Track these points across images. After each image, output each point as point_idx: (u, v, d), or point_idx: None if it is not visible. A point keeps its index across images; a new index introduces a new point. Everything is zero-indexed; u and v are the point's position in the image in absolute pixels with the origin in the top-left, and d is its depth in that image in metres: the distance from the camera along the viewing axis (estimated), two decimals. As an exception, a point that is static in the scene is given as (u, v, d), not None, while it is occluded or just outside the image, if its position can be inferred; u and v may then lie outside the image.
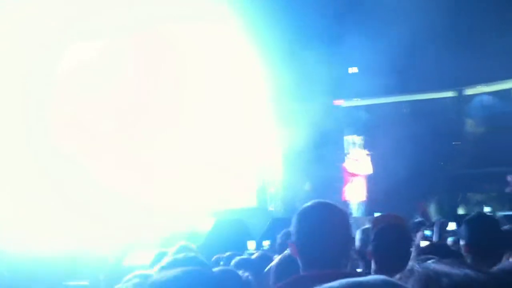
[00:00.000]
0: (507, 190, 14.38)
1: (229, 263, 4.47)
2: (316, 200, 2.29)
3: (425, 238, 5.73)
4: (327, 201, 2.32)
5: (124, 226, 11.10)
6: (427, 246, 3.96)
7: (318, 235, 2.13)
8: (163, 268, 2.58)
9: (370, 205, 13.73)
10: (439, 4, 18.70)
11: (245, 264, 4.17)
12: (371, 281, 0.88)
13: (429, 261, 1.10)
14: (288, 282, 2.01)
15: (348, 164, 12.64)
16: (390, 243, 2.97)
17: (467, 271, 1.02)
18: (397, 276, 1.08)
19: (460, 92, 23.16)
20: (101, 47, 13.40)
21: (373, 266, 3.01)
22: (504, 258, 3.53)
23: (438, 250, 3.78)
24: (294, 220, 2.24)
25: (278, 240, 5.60)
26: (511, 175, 14.40)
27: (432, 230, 6.00)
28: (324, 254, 2.11)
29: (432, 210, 16.84)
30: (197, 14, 14.15)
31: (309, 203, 2.27)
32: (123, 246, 7.40)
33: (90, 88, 13.30)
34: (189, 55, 14.48)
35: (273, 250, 6.80)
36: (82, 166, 12.23)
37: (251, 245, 7.99)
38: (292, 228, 2.26)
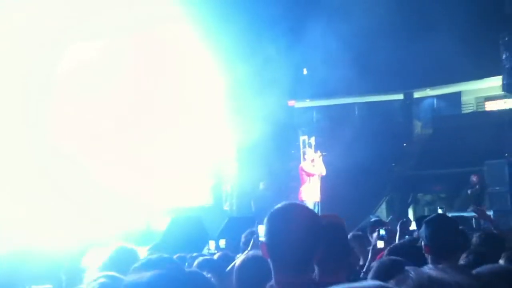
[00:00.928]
0: (469, 191, 14.73)
1: (193, 263, 4.44)
2: (287, 201, 2.29)
3: (380, 237, 5.78)
4: (298, 202, 2.33)
5: (80, 224, 10.94)
6: (398, 246, 4.03)
7: (289, 236, 2.11)
8: (136, 269, 2.52)
9: (324, 205, 13.88)
10: (389, 9, 19.10)
11: (208, 264, 4.13)
12: (368, 287, 0.89)
13: (426, 266, 1.10)
14: None
15: (305, 164, 12.73)
16: (329, 242, 2.98)
17: (460, 278, 1.03)
18: (392, 281, 1.08)
19: (408, 95, 23.69)
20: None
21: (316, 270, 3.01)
22: (461, 258, 3.64)
23: (404, 249, 3.88)
24: (265, 221, 2.22)
25: (243, 239, 5.49)
26: (474, 175, 14.77)
27: (387, 230, 6.09)
28: (295, 255, 2.10)
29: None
30: (153, 12, 14.08)
31: (279, 204, 2.26)
32: (79, 245, 7.25)
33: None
34: (144, 52, 14.36)
35: (230, 249, 6.79)
36: (35, 165, 11.96)
37: (212, 244, 7.97)
38: (263, 229, 2.24)
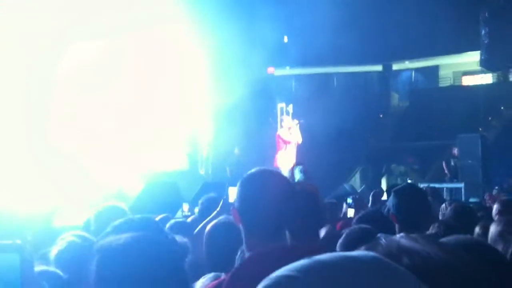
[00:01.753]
0: (453, 162, 14.90)
1: (164, 225, 4.40)
2: (260, 167, 2.26)
3: (349, 206, 5.87)
4: (271, 168, 2.30)
5: (53, 186, 10.88)
6: (364, 214, 4.09)
7: (261, 202, 2.09)
8: (116, 227, 2.49)
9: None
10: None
11: (181, 227, 4.10)
12: (361, 257, 0.87)
13: (398, 235, 1.09)
14: (244, 265, 1.97)
15: (282, 132, 12.74)
16: (302, 209, 2.99)
17: (429, 248, 1.02)
18: (363, 247, 1.07)
19: (387, 66, 23.76)
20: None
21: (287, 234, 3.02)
22: (430, 229, 3.70)
23: (373, 217, 3.94)
24: (237, 187, 2.20)
25: (199, 206, 5.23)
26: (454, 148, 14.94)
27: (354, 199, 6.18)
28: (267, 220, 2.09)
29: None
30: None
31: (253, 170, 2.23)
32: (51, 207, 7.21)
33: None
34: (123, 19, 14.20)
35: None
36: (10, 123, 11.82)
37: (186, 207, 7.99)
38: (235, 195, 2.22)
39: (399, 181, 17.67)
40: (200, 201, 5.38)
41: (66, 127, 13.03)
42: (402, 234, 1.08)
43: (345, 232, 3.08)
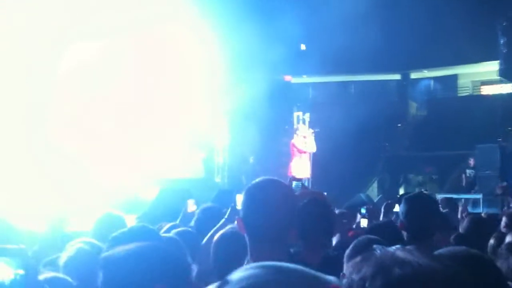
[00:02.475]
0: (467, 172, 14.77)
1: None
2: (264, 177, 2.32)
3: (362, 216, 5.84)
4: (275, 178, 2.35)
5: (65, 193, 10.95)
6: (375, 225, 4.05)
7: (264, 211, 2.16)
8: (116, 238, 2.51)
9: (315, 182, 13.95)
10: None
11: (184, 237, 4.05)
12: (291, 268, 0.89)
13: (395, 246, 1.09)
14: None
15: (297, 140, 12.75)
16: (314, 217, 3.00)
17: (422, 261, 1.03)
18: (358, 258, 1.08)
19: (405, 75, 23.66)
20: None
21: (302, 244, 3.04)
22: (434, 239, 3.66)
23: (384, 228, 3.90)
24: (242, 196, 2.27)
25: (195, 216, 5.12)
26: (470, 158, 14.82)
27: (367, 209, 6.14)
28: (270, 230, 2.15)
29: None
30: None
31: (257, 180, 2.30)
32: (62, 213, 7.24)
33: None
34: (135, 22, 14.27)
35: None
36: (11, 125, 11.89)
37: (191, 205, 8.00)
38: (240, 204, 2.29)
39: (417, 191, 17.53)
40: (196, 212, 5.33)
41: (66, 123, 13.08)
42: (398, 246, 1.08)
43: (353, 242, 3.06)
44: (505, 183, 11.77)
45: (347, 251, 2.67)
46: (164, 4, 14.40)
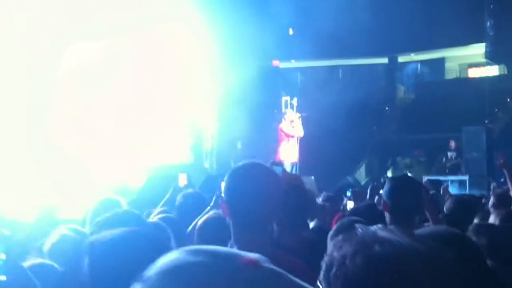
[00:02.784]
0: (449, 154, 14.81)
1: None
2: (248, 161, 2.29)
3: (348, 198, 5.87)
4: (259, 161, 2.32)
5: (52, 183, 10.94)
6: (358, 208, 4.10)
7: (248, 195, 2.13)
8: (99, 223, 2.52)
9: (304, 166, 13.99)
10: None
11: (169, 223, 4.03)
12: (212, 249, 0.91)
13: (376, 226, 1.10)
14: None
15: (284, 125, 12.76)
16: (289, 202, 3.00)
17: (403, 239, 1.04)
18: (340, 237, 1.10)
19: (393, 59, 23.69)
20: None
21: (275, 226, 3.03)
22: (416, 220, 3.69)
23: (366, 211, 3.94)
24: (226, 179, 2.23)
25: (179, 200, 5.02)
26: (451, 140, 14.87)
27: (353, 192, 6.18)
28: (254, 213, 2.12)
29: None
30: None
31: (240, 163, 2.27)
32: (52, 201, 7.22)
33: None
34: (125, 11, 14.19)
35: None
36: (10, 121, 11.87)
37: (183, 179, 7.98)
38: (224, 188, 2.25)
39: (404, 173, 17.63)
40: (178, 198, 5.24)
41: (66, 123, 13.08)
42: (380, 225, 1.10)
43: (336, 224, 3.10)
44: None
45: (331, 232, 2.70)
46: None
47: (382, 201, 3.50)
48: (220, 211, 2.95)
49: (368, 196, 5.85)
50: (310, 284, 0.98)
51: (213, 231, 3.04)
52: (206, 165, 15.69)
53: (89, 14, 13.06)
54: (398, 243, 1.02)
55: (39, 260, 2.98)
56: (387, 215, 3.36)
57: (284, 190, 3.07)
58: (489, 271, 1.86)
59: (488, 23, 17.34)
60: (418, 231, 1.82)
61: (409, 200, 3.32)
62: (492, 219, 3.86)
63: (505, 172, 5.16)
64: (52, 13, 12.40)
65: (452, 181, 13.54)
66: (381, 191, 6.52)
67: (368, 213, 3.70)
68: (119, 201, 4.20)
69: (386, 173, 17.61)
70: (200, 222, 3.30)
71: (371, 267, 0.99)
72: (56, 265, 2.96)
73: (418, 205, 3.41)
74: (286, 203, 2.98)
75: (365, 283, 0.99)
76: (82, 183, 11.77)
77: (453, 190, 11.96)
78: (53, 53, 13.03)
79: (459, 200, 4.77)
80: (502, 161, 5.61)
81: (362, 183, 12.61)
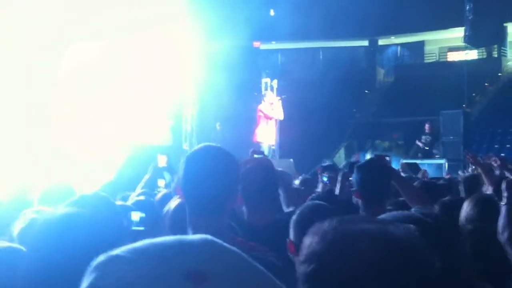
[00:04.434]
0: (423, 138, 14.87)
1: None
2: (204, 144, 2.25)
3: (323, 183, 5.84)
4: (215, 144, 2.28)
5: (30, 160, 10.88)
6: (316, 196, 4.14)
7: (200, 178, 2.09)
8: (68, 205, 2.51)
9: (283, 148, 14.02)
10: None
11: (145, 205, 4.01)
12: (193, 241, 0.90)
13: (335, 218, 1.10)
14: None
15: (264, 106, 12.71)
16: (255, 182, 2.97)
17: (365, 226, 1.06)
18: (312, 227, 1.10)
19: (373, 42, 23.70)
20: None
21: (244, 208, 3.01)
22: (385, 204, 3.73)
23: (326, 197, 3.97)
24: (181, 163, 2.18)
25: (174, 183, 5.04)
26: (427, 123, 14.94)
27: (329, 177, 6.17)
28: (207, 197, 2.08)
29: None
30: None
31: (196, 147, 2.23)
32: (26, 180, 7.15)
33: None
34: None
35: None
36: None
37: (161, 183, 8.01)
38: (180, 172, 2.20)
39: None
40: (175, 177, 5.26)
41: (46, 101, 13.00)
42: (334, 220, 1.10)
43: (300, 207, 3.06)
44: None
45: (294, 217, 2.66)
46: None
47: (354, 189, 3.53)
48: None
49: (339, 183, 5.84)
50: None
51: (182, 217, 3.00)
52: (185, 146, 15.67)
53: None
54: (360, 230, 1.03)
55: (5, 244, 2.97)
56: (360, 202, 3.40)
57: (248, 170, 3.05)
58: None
59: (467, 7, 17.40)
60: (381, 216, 1.84)
61: (379, 186, 3.36)
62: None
63: (479, 168, 5.21)
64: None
65: (429, 165, 13.67)
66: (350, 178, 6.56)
67: (330, 199, 3.75)
68: (70, 186, 4.20)
69: (365, 156, 17.72)
70: (172, 207, 3.28)
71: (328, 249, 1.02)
72: (23, 249, 2.95)
73: (387, 190, 3.45)
74: (250, 183, 2.97)
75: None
76: (49, 152, 11.72)
77: (430, 173, 12.09)
78: (42, 41, 12.92)
79: (426, 185, 4.84)
80: (470, 158, 5.69)
81: (341, 166, 12.64)
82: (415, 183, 4.76)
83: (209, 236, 0.87)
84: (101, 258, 0.85)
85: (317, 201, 3.05)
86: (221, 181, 2.07)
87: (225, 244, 0.87)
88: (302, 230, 2.38)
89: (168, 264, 0.82)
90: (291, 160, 11.59)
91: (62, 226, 1.83)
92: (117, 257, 0.85)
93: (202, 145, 2.18)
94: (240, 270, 0.87)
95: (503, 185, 2.89)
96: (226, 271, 0.84)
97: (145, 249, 0.86)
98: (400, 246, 1.01)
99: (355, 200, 4.18)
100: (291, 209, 3.73)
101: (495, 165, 5.07)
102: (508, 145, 15.01)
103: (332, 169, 7.07)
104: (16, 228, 3.00)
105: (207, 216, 2.06)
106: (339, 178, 5.75)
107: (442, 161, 13.90)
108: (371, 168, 3.48)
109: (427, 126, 14.91)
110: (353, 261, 0.99)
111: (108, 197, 2.77)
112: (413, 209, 3.41)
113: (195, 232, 2.05)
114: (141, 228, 3.45)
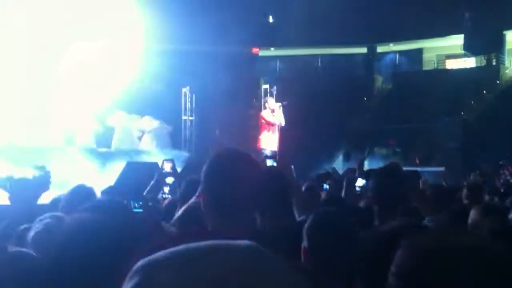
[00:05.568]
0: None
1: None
2: (227, 148, 2.23)
3: (325, 190, 5.85)
4: (239, 148, 2.26)
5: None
6: (327, 200, 4.16)
7: (227, 184, 2.08)
8: (83, 209, 2.51)
9: (282, 155, 14.00)
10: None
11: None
12: (237, 245, 0.90)
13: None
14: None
15: (265, 113, 12.74)
16: (269, 190, 2.95)
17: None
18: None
19: (371, 49, 23.75)
20: None
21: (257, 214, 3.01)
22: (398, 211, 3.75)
23: (335, 203, 3.99)
24: (205, 169, 2.15)
25: (182, 189, 4.97)
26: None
27: (330, 184, 6.18)
28: (234, 202, 2.07)
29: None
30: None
31: (220, 150, 2.21)
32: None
33: None
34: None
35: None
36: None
37: (166, 189, 8.01)
38: (203, 177, 2.16)
39: (381, 164, 17.67)
40: (182, 184, 5.21)
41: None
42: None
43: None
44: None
45: (307, 223, 2.63)
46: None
47: (366, 194, 3.54)
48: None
49: (344, 189, 5.86)
50: None
51: (194, 221, 2.98)
52: (185, 152, 15.69)
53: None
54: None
55: (15, 249, 2.96)
56: (374, 207, 3.41)
57: (264, 177, 3.03)
58: None
59: (466, 15, 17.48)
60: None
61: (393, 194, 3.37)
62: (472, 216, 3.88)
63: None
64: None
65: (428, 173, 13.66)
66: (357, 183, 6.57)
67: (338, 204, 3.76)
68: (92, 189, 4.21)
69: (363, 163, 17.70)
70: (180, 212, 3.27)
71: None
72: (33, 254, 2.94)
73: (400, 197, 3.46)
74: (265, 190, 2.95)
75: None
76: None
77: (430, 181, 12.07)
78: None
79: (435, 191, 4.84)
80: (418, 161, 5.79)
81: (341, 173, 12.63)
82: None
83: (252, 243, 0.87)
84: (141, 262, 0.85)
85: (328, 207, 3.05)
86: (248, 184, 2.06)
87: (265, 251, 0.87)
88: (315, 237, 2.39)
89: (205, 269, 0.83)
90: (292, 166, 11.59)
91: (77, 232, 1.82)
92: (156, 261, 0.85)
93: (225, 148, 2.18)
94: (280, 277, 0.87)
95: None
96: (266, 280, 0.84)
97: (183, 253, 0.87)
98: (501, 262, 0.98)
99: (362, 204, 4.20)
100: (303, 217, 3.72)
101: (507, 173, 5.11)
102: (506, 153, 14.99)
103: (329, 177, 7.08)
104: (31, 233, 2.99)
105: (234, 220, 2.04)
106: (344, 184, 5.77)
107: (441, 168, 13.90)
108: (387, 174, 3.49)
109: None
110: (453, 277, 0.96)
111: (123, 202, 2.77)
112: (426, 220, 3.44)
113: (219, 237, 2.04)
114: (140, 210, 3.45)
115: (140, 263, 0.91)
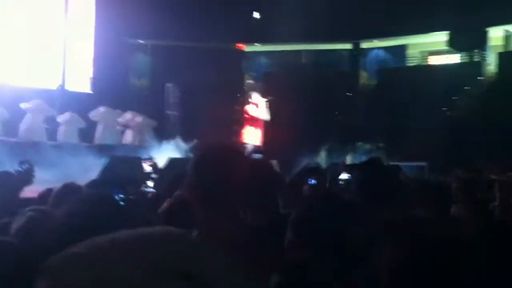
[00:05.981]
0: None
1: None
2: (217, 142, 2.22)
3: (310, 185, 5.87)
4: (228, 142, 2.27)
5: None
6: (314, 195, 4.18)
7: (218, 176, 2.07)
8: (73, 201, 2.49)
9: (265, 150, 14.04)
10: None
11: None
12: (154, 232, 0.90)
13: None
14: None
15: (250, 108, 12.77)
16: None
17: None
18: None
19: (356, 45, 23.82)
20: None
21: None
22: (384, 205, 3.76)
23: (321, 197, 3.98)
24: (194, 163, 2.12)
25: (167, 183, 4.97)
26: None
27: (316, 179, 6.21)
28: (225, 195, 2.06)
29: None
30: None
31: (210, 144, 2.19)
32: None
33: None
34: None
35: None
36: None
37: (150, 183, 8.00)
38: (191, 170, 2.13)
39: (363, 159, 17.76)
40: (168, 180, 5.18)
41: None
42: None
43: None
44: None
45: (292, 216, 2.62)
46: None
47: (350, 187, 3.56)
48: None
49: (328, 182, 5.90)
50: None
51: (182, 215, 2.96)
52: (170, 148, 15.64)
53: None
54: None
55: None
56: (357, 200, 3.42)
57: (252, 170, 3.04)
58: None
59: (449, 11, 17.59)
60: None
61: (378, 188, 3.39)
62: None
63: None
64: None
65: (410, 167, 13.75)
66: (340, 176, 6.62)
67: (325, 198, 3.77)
68: (81, 187, 4.23)
69: (346, 158, 17.79)
70: (166, 206, 3.26)
71: None
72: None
73: (386, 191, 3.48)
74: (253, 183, 2.96)
75: None
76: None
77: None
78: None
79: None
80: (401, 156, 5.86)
81: (324, 167, 12.68)
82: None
83: (169, 228, 0.87)
84: (63, 257, 0.82)
85: (313, 200, 3.05)
86: (239, 179, 2.05)
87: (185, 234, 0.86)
88: (302, 229, 2.39)
89: (126, 258, 0.81)
90: (276, 161, 11.63)
91: (65, 223, 1.82)
92: (76, 254, 0.83)
93: (215, 142, 2.17)
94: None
95: None
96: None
97: (103, 245, 0.85)
98: None
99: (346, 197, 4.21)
100: (288, 210, 3.72)
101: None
102: (489, 151, 15.12)
103: (317, 171, 7.13)
104: (13, 226, 2.96)
105: (225, 215, 2.02)
106: (328, 178, 5.81)
107: (424, 163, 14.02)
108: (368, 168, 3.51)
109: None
110: None
111: (109, 195, 2.76)
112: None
113: (208, 231, 2.02)
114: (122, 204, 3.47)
115: (56, 257, 0.89)
